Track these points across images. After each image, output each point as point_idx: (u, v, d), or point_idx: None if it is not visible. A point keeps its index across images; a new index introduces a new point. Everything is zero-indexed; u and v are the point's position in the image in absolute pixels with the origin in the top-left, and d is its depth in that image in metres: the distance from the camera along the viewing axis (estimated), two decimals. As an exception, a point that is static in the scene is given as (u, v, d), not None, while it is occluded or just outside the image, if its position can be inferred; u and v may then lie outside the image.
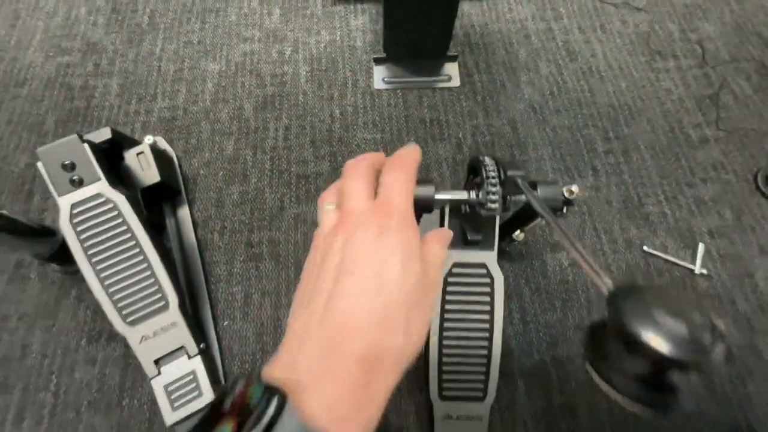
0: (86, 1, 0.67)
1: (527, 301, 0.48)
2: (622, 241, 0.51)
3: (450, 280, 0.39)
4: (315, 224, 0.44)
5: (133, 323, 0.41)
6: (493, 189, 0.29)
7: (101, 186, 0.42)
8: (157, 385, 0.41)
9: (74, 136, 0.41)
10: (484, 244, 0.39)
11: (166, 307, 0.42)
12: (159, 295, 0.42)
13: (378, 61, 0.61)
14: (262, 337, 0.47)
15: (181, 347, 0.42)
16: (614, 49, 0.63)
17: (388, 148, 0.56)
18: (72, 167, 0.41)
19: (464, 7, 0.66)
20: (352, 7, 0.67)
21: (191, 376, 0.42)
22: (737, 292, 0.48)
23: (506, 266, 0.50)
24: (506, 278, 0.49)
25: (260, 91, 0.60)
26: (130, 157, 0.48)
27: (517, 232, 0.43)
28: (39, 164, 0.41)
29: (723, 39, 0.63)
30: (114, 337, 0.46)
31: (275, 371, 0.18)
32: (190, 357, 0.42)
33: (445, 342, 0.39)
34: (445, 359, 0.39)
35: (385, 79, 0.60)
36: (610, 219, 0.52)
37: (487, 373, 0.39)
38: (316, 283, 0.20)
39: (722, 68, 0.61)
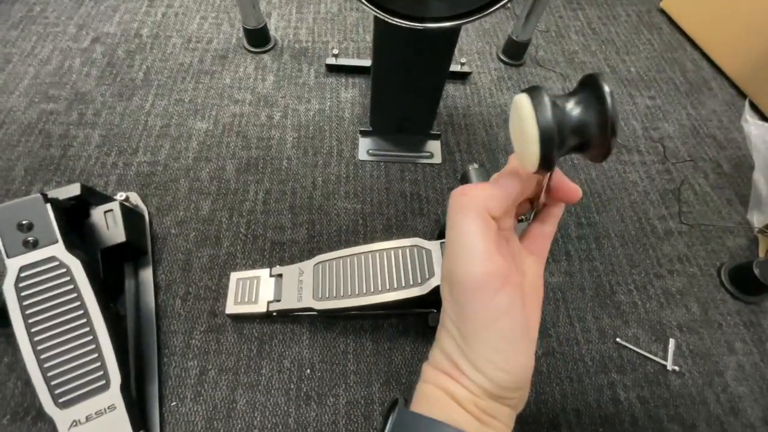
0: (83, 52, 0.69)
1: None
2: (595, 330, 0.51)
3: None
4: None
5: (65, 405, 0.37)
6: None
7: (57, 249, 0.39)
8: (81, 482, 0.36)
9: (38, 196, 0.39)
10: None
11: (106, 386, 0.38)
12: (100, 374, 0.38)
13: (364, 133, 0.63)
14: (212, 422, 0.42)
15: (117, 435, 0.38)
16: (585, 140, 0.67)
17: (368, 219, 0.56)
18: (29, 228, 0.39)
19: (449, 89, 0.71)
20: (343, 80, 0.71)
21: (122, 472, 0.37)
22: (708, 392, 0.48)
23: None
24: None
25: (245, 152, 0.61)
26: (97, 214, 0.46)
27: None
28: (-8, 222, 0.38)
29: (681, 139, 0.69)
30: (44, 416, 0.41)
31: None
32: (125, 447, 0.38)
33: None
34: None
35: (370, 151, 0.62)
36: (584, 306, 0.52)
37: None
38: None
39: (682, 165, 0.66)
